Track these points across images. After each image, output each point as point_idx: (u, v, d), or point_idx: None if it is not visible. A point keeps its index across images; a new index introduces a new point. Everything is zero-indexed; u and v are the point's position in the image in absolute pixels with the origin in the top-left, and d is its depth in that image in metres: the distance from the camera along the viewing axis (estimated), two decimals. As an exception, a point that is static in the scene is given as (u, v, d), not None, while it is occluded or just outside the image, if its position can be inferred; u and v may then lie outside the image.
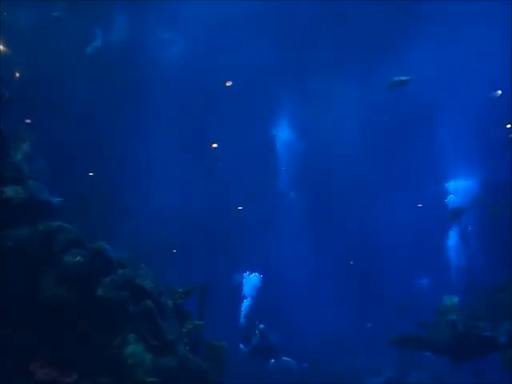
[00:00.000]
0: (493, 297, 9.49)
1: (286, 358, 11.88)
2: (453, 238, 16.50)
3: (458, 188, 16.62)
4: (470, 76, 13.80)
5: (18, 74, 8.72)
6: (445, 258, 16.70)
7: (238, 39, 13.30)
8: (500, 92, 12.80)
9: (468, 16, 12.87)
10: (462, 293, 10.09)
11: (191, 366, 6.97)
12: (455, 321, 8.90)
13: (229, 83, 13.24)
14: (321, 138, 15.81)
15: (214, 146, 15.60)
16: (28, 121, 9.08)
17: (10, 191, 7.06)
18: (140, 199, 15.25)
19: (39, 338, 6.40)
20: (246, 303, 12.83)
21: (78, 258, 6.87)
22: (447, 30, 13.48)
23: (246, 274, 13.42)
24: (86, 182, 13.55)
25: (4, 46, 7.96)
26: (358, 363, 15.10)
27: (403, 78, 11.76)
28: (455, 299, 9.28)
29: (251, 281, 13.28)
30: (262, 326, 11.69)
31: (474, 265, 15.40)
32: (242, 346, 11.36)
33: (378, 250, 18.35)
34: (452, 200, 16.35)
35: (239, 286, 13.22)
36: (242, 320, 11.89)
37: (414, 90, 14.35)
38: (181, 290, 7.77)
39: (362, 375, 14.14)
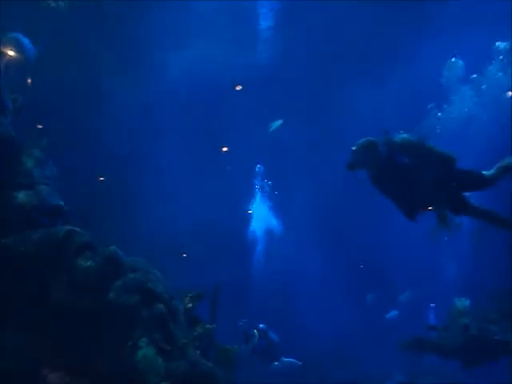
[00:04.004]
0: (504, 300, 9.41)
1: (286, 359, 11.71)
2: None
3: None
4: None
5: (30, 80, 8.79)
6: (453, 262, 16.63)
7: (248, 42, 13.38)
8: (511, 93, 12.70)
9: (475, 15, 12.83)
10: (472, 296, 10.00)
11: (203, 370, 6.94)
12: (467, 324, 8.83)
13: (239, 87, 13.30)
14: (329, 141, 15.78)
15: (225, 149, 15.65)
16: (39, 126, 9.17)
17: (22, 197, 7.15)
18: (150, 202, 15.34)
19: (51, 342, 6.43)
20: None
21: (90, 262, 6.91)
22: (453, 29, 13.48)
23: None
24: (96, 186, 13.64)
25: (16, 52, 8.02)
26: (365, 366, 15.00)
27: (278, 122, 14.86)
28: (467, 302, 9.21)
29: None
30: (261, 325, 11.45)
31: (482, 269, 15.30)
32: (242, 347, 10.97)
33: (388, 252, 18.26)
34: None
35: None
36: (241, 322, 11.61)
37: (419, 90, 14.38)
38: (192, 294, 7.77)
39: (371, 378, 14.04)
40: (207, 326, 7.64)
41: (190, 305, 7.70)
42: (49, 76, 11.76)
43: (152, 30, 13.58)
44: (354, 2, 12.96)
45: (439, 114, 14.24)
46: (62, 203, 7.78)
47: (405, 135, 5.11)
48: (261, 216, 15.31)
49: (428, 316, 15.10)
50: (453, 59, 13.66)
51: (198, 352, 7.27)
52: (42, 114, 9.88)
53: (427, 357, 11.33)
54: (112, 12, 12.87)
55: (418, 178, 4.98)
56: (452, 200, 5.11)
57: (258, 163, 14.94)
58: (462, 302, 9.18)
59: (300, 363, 11.92)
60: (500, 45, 12.99)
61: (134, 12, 13.14)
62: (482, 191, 5.18)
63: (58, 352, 6.37)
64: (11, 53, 7.74)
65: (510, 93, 12.70)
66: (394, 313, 17.37)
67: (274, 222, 16.84)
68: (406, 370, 13.67)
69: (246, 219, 17.35)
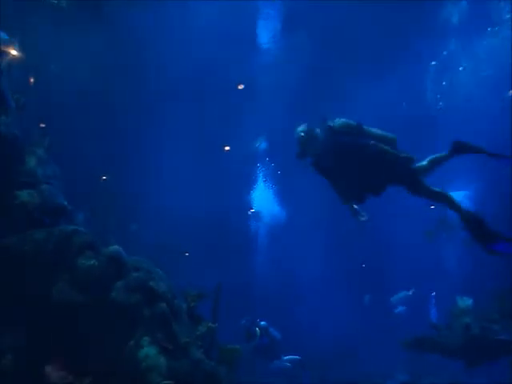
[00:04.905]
0: (504, 300, 9.41)
1: (287, 357, 11.68)
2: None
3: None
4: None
5: (32, 80, 8.80)
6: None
7: (250, 41, 13.41)
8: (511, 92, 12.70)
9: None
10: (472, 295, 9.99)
11: (205, 369, 6.94)
12: (469, 324, 8.83)
13: (241, 86, 13.32)
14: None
15: (227, 148, 15.68)
16: (42, 125, 9.17)
17: (24, 196, 7.14)
18: (152, 202, 15.34)
19: (53, 342, 6.43)
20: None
21: (93, 261, 6.91)
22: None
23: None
24: (99, 186, 13.64)
25: (18, 51, 8.03)
26: (366, 365, 15.00)
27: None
28: (469, 301, 9.20)
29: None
30: (263, 323, 11.39)
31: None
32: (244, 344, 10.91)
33: (389, 252, 18.27)
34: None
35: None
36: (243, 320, 11.57)
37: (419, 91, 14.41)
38: (194, 293, 7.77)
39: (372, 378, 14.03)
40: (210, 324, 7.63)
41: (193, 304, 7.68)
42: (49, 76, 11.80)
43: (151, 29, 13.61)
44: (355, 2, 12.98)
45: (444, 82, 14.06)
46: (66, 203, 7.77)
47: (343, 119, 5.14)
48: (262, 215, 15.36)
49: (429, 309, 15.05)
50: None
51: (201, 351, 7.26)
52: (44, 113, 9.89)
53: (429, 356, 11.31)
54: (111, 11, 12.89)
55: (358, 160, 5.00)
56: (403, 180, 5.11)
57: (261, 138, 15.03)
58: (465, 301, 9.18)
59: (299, 357, 11.92)
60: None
61: (134, 11, 13.16)
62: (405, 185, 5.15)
63: (59, 351, 6.36)
64: (14, 52, 7.73)
65: (510, 92, 12.70)
66: (401, 308, 17.39)
67: (274, 222, 16.85)
68: (408, 369, 13.68)
69: (248, 217, 17.39)
